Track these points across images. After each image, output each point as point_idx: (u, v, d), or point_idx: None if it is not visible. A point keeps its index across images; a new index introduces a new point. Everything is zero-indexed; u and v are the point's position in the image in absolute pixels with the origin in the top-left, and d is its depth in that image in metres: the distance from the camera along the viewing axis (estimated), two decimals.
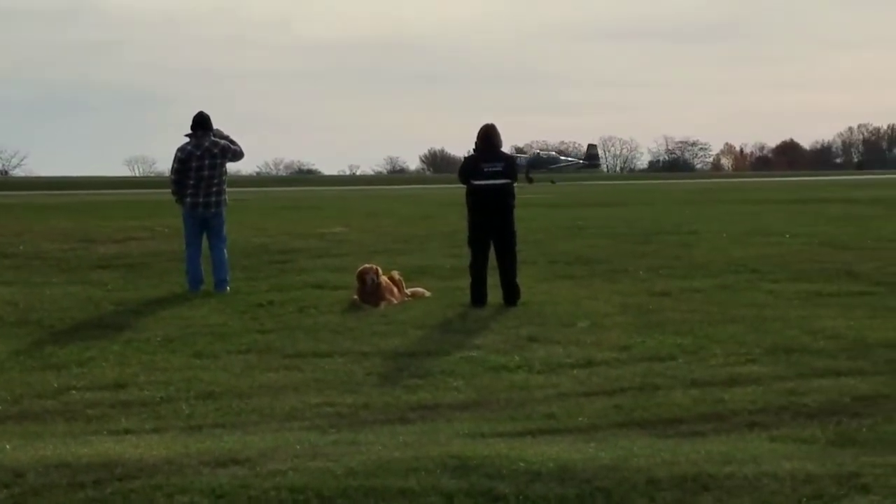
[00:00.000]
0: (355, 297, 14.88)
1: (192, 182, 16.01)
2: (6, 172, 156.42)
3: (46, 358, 11.45)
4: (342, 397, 9.60)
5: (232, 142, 16.33)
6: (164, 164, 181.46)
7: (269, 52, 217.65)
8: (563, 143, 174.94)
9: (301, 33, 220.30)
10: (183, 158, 16.03)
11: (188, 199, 16.05)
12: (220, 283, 16.06)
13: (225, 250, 16.29)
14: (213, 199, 16.12)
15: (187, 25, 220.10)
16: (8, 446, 7.50)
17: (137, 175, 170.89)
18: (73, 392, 9.86)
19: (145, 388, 9.98)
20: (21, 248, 20.96)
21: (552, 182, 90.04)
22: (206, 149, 16.03)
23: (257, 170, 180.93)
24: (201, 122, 16.06)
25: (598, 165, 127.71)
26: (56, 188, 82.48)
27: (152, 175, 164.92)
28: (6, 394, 9.79)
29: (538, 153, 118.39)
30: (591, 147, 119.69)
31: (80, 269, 18.69)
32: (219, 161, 16.13)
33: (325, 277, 17.35)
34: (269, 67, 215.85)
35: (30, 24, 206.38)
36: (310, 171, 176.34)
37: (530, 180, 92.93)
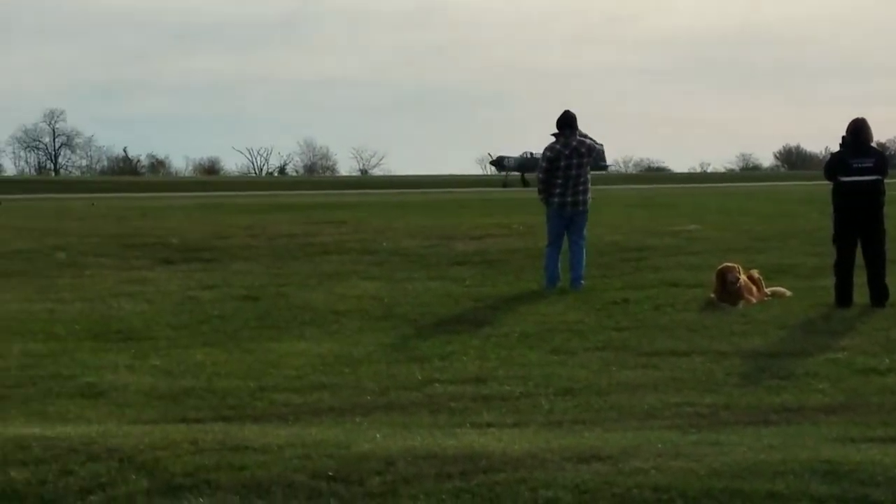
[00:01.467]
0: (712, 295, 14.63)
1: (559, 181, 16.17)
2: (366, 171, 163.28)
3: (410, 351, 11.83)
4: (701, 397, 9.45)
5: (594, 141, 16.43)
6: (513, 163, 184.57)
7: (616, 48, 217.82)
8: None
9: (649, 28, 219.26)
10: (552, 157, 16.21)
11: (556, 199, 16.22)
12: (575, 281, 16.15)
13: (584, 248, 16.40)
14: (581, 197, 16.26)
15: (537, 24, 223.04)
16: (378, 435, 7.77)
17: (489, 174, 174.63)
18: (437, 385, 10.13)
19: (505, 383, 10.14)
20: (384, 244, 21.76)
21: None
22: (573, 148, 16.18)
23: (609, 167, 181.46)
24: (568, 121, 16.22)
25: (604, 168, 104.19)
26: (412, 186, 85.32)
27: (502, 174, 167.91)
28: (374, 385, 10.17)
29: None
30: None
31: (440, 265, 19.22)
32: (585, 160, 16.27)
33: (680, 275, 17.15)
34: (615, 63, 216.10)
35: (385, 27, 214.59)
36: (659, 169, 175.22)
37: (525, 183, 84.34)
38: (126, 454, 7.15)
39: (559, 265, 16.32)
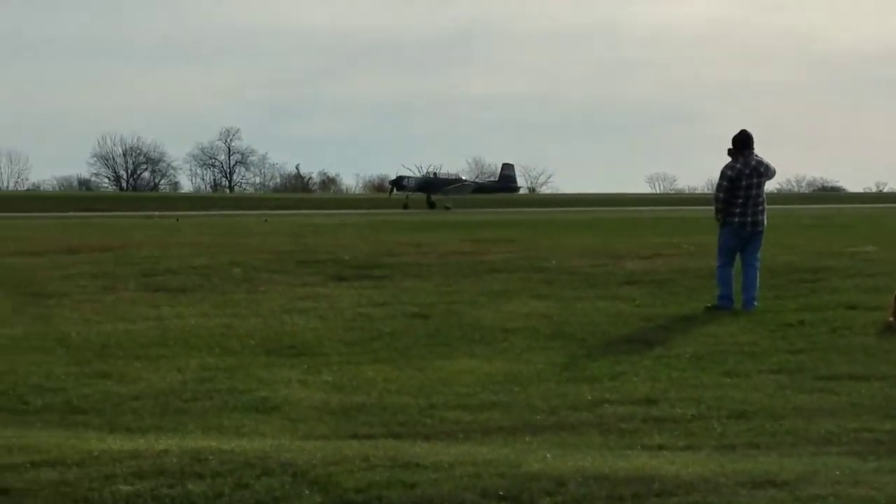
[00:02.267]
0: (891, 318, 14.19)
1: (740, 201, 15.98)
2: (533, 189, 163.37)
3: (580, 370, 11.75)
4: (881, 423, 9.16)
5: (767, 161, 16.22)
6: (684, 182, 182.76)
7: (792, 65, 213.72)
8: None
9: (826, 45, 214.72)
10: (733, 177, 16.01)
11: (736, 219, 16.02)
12: (748, 302, 15.87)
13: (758, 269, 16.15)
14: (760, 217, 16.10)
15: (711, 41, 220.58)
16: (548, 455, 7.73)
17: (658, 192, 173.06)
18: (607, 405, 10.04)
19: (676, 405, 9.99)
20: (553, 263, 21.70)
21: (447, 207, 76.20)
22: (753, 167, 15.98)
23: (779, 187, 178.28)
24: (746, 141, 16.04)
25: (515, 189, 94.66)
26: (579, 205, 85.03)
27: (672, 192, 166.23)
28: (543, 404, 10.13)
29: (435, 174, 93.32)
30: (506, 167, 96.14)
31: (609, 284, 19.08)
32: (764, 180, 16.09)
33: (857, 298, 16.68)
34: (791, 81, 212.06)
35: (554, 46, 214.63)
36: (833, 189, 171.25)
37: (432, 205, 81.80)
38: (299, 469, 7.26)
39: (733, 286, 16.07)
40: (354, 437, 8.97)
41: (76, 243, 27.09)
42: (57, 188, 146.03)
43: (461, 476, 7.04)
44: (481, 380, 11.27)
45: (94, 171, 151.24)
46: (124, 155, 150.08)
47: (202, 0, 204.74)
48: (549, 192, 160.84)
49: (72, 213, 67.43)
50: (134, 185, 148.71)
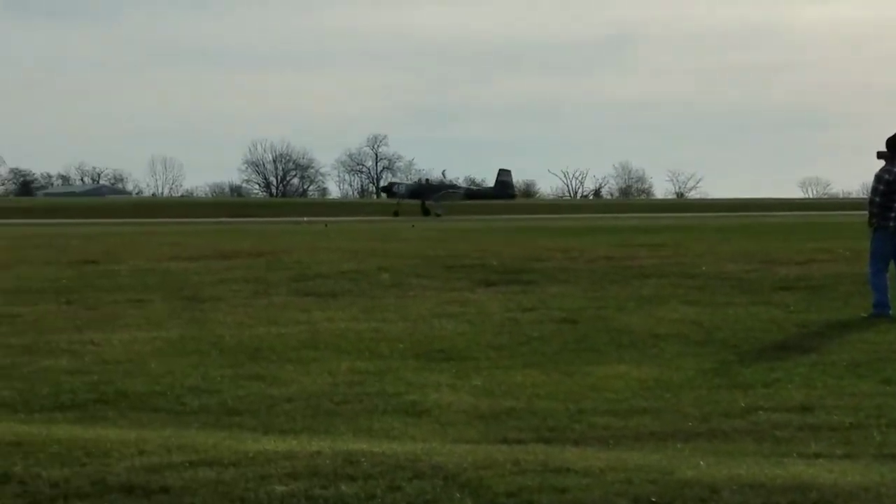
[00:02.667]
0: None
1: None
2: (682, 194, 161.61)
3: (732, 377, 11.56)
4: None
5: None
6: (838, 187, 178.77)
7: None
8: None
9: None
10: (890, 181, 15.63)
11: (891, 223, 15.63)
12: None
13: None
14: None
15: (867, 43, 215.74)
16: (702, 462, 7.61)
17: (811, 197, 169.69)
18: (761, 412, 9.85)
19: (833, 413, 9.76)
20: (703, 268, 21.42)
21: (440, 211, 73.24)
22: None
23: None
24: None
25: (512, 196, 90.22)
26: (730, 210, 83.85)
27: (825, 197, 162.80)
28: (695, 411, 9.98)
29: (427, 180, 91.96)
30: (503, 173, 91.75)
31: (762, 290, 18.75)
32: None
33: None
34: None
35: (705, 49, 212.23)
36: None
37: (426, 211, 79.32)
38: (450, 472, 7.26)
39: (888, 293, 15.66)
40: (504, 441, 8.95)
41: (229, 249, 27.64)
42: (209, 194, 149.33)
43: (612, 482, 6.97)
44: (631, 385, 11.16)
45: (245, 178, 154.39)
46: (274, 161, 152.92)
47: (349, 10, 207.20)
48: (698, 196, 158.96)
49: (224, 219, 68.81)
50: (283, 191, 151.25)
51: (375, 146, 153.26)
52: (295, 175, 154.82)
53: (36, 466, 7.57)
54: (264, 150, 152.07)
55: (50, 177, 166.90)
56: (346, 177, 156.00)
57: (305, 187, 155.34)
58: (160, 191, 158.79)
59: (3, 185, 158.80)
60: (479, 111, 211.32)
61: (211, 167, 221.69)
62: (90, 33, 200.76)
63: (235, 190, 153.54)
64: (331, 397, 10.82)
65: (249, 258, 24.59)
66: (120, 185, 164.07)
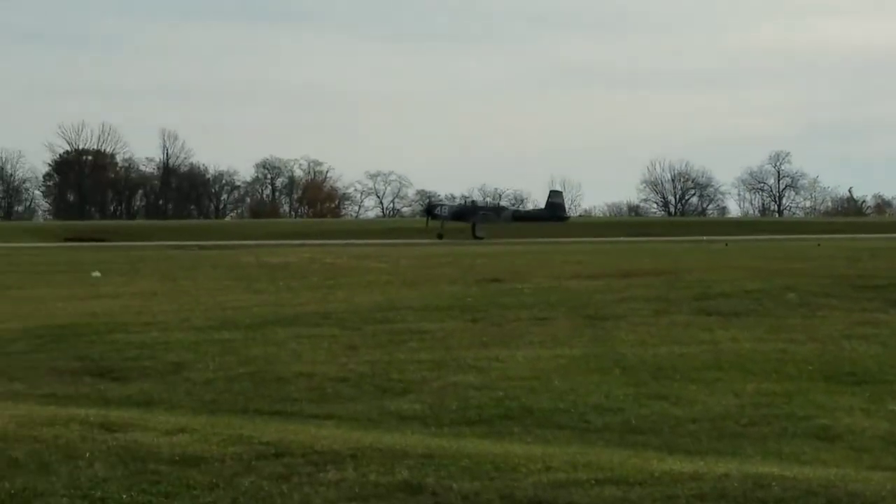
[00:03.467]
0: None
1: None
2: None
3: None
4: None
5: None
6: None
7: None
8: None
9: None
10: None
11: None
12: None
13: None
14: None
15: None
16: None
17: None
18: None
19: None
20: None
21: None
22: None
23: None
24: None
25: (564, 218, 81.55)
26: None
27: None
28: None
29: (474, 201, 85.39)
30: (554, 194, 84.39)
31: None
32: None
33: None
34: None
35: None
36: None
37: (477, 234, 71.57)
38: (867, 500, 6.94)
39: None
40: None
41: (629, 268, 27.63)
42: (607, 214, 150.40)
43: None
44: None
45: (643, 198, 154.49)
46: (672, 181, 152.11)
47: (745, 26, 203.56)
48: None
49: (622, 238, 69.07)
50: (682, 211, 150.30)
51: (777, 163, 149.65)
52: (694, 194, 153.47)
53: (447, 479, 7.78)
54: (662, 169, 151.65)
55: (454, 197, 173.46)
56: (747, 195, 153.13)
57: (704, 206, 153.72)
58: None
59: (409, 206, 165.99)
60: (890, 127, 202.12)
61: (609, 187, 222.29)
62: (491, 56, 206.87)
63: (633, 209, 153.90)
64: (737, 419, 10.59)
65: (650, 277, 24.49)
66: (520, 207, 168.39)
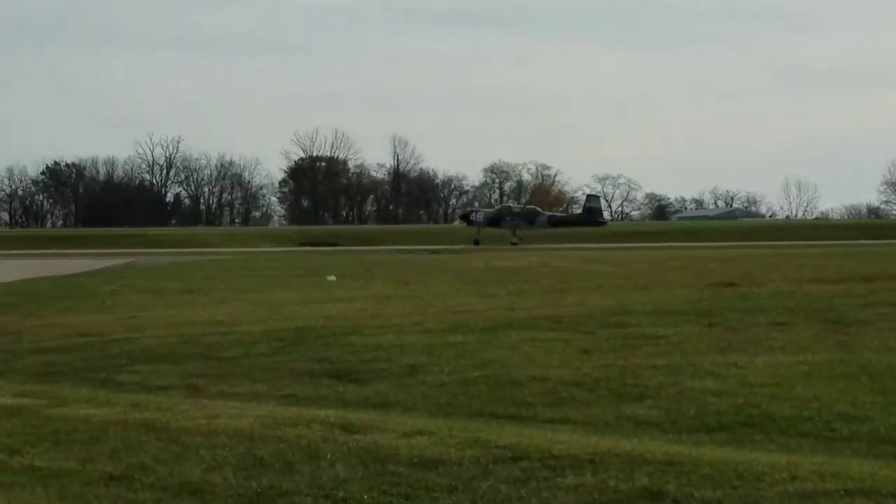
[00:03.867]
0: None
1: None
2: None
3: None
4: None
5: None
6: None
7: None
8: None
9: None
10: None
11: None
12: None
13: None
14: None
15: None
16: None
17: None
18: None
19: None
20: None
21: None
22: None
23: None
24: None
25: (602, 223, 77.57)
26: None
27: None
28: None
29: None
30: (591, 199, 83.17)
31: None
32: None
33: None
34: None
35: None
36: None
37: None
38: None
39: None
40: None
41: (870, 271, 26.70)
42: (845, 216, 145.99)
43: None
44: None
45: (884, 199, 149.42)
46: None
47: None
48: None
49: (861, 241, 66.83)
50: None
51: None
52: None
53: (688, 486, 7.61)
54: None
55: (684, 201, 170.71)
56: None
57: None
58: (794, 213, 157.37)
59: (639, 209, 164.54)
60: None
61: (847, 188, 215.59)
62: (723, 56, 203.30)
63: (873, 211, 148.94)
64: None
65: (894, 281, 23.57)
66: (753, 209, 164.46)
